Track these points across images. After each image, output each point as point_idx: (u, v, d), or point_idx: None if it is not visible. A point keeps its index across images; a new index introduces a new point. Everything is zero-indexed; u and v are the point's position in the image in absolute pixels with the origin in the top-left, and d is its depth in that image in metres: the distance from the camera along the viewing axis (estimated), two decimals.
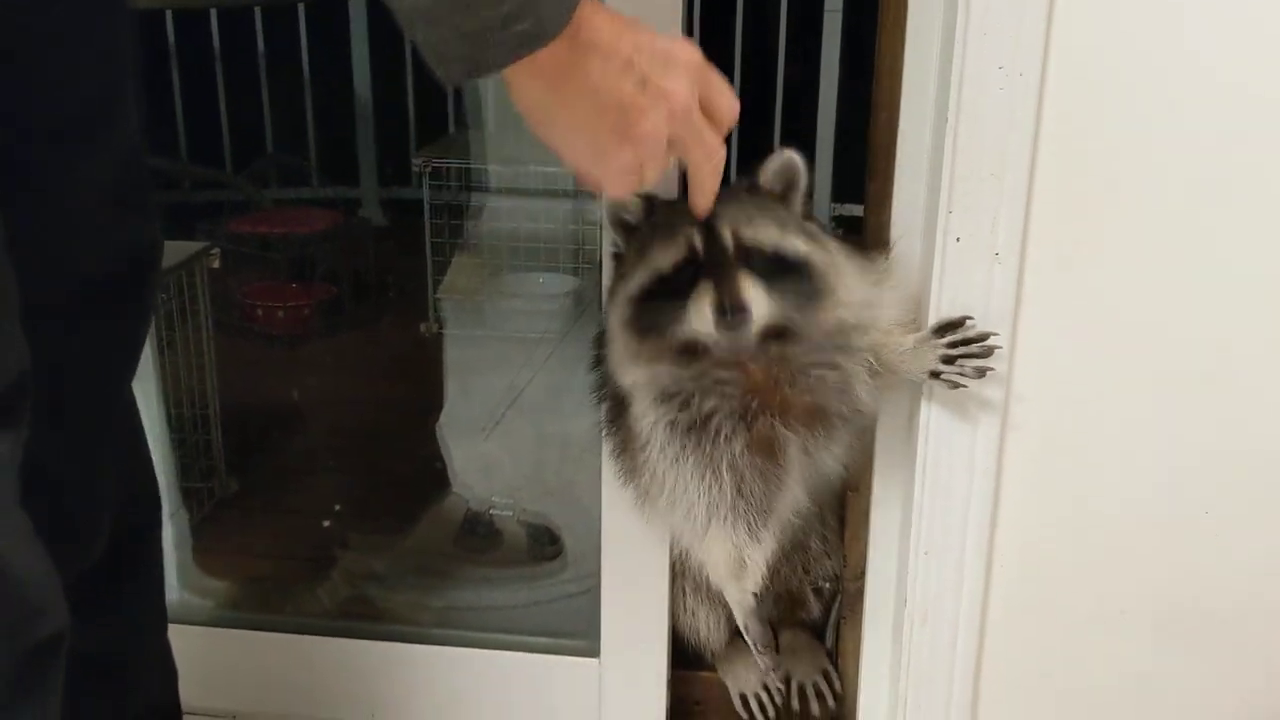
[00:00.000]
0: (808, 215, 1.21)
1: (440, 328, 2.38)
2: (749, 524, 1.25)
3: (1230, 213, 1.17)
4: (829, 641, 1.60)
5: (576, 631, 1.58)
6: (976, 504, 1.28)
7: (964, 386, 1.19)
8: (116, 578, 1.13)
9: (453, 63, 0.76)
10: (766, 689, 1.56)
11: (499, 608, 1.79)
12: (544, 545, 1.92)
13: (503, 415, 2.02)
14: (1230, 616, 1.31)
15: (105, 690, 1.13)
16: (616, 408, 1.30)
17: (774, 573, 1.55)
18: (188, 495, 2.01)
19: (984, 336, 1.18)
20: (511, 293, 2.29)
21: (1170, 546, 1.29)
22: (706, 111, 0.91)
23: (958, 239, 1.19)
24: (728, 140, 0.97)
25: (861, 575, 1.44)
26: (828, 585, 1.56)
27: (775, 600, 1.59)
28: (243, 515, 2.12)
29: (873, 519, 1.40)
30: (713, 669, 1.59)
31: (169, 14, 3.39)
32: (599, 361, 1.33)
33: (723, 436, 1.20)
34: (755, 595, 1.30)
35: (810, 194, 1.22)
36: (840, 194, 2.91)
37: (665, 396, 1.20)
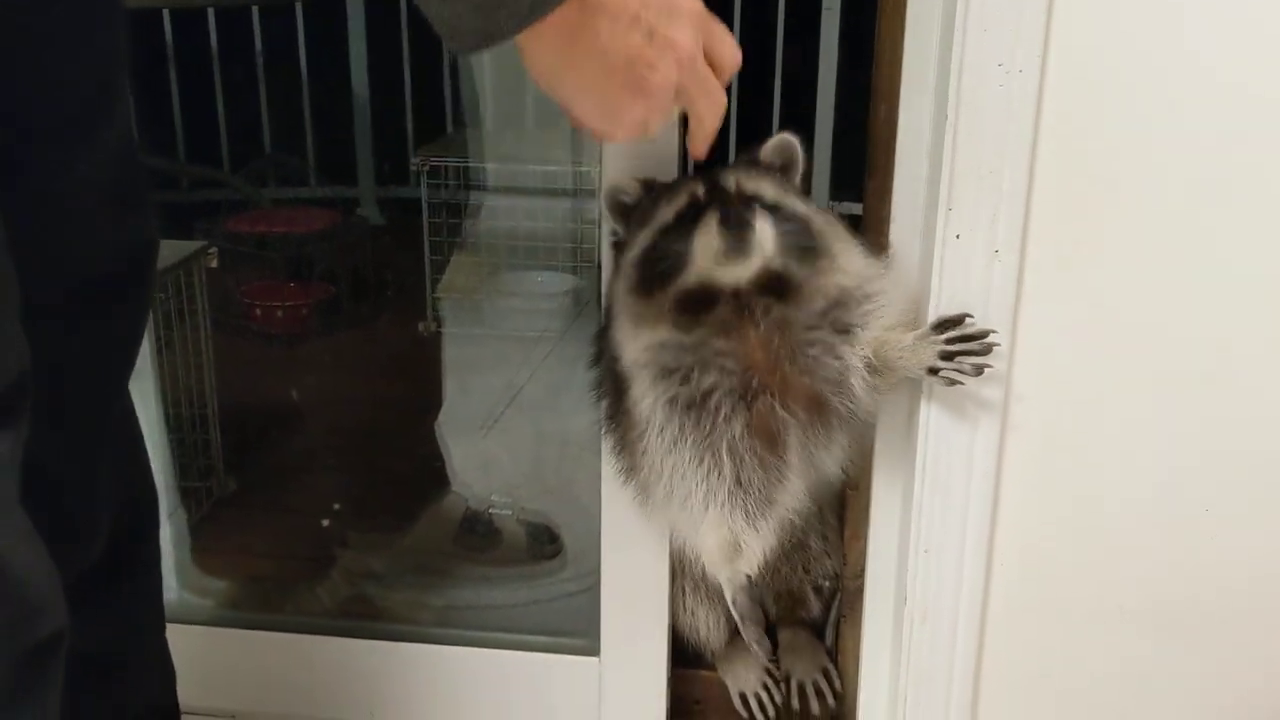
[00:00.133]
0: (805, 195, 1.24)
1: (439, 326, 2.38)
2: (746, 512, 1.24)
3: (1230, 211, 1.17)
4: (829, 640, 1.60)
5: (576, 630, 1.58)
6: (976, 502, 1.28)
7: (961, 384, 1.19)
8: (116, 577, 1.12)
9: (465, 35, 0.77)
10: (766, 688, 1.56)
11: (498, 606, 1.79)
12: (543, 544, 1.92)
13: (501, 414, 2.02)
14: (1230, 615, 1.31)
15: (105, 690, 1.13)
16: (616, 402, 1.30)
17: (774, 571, 1.56)
18: (186, 495, 2.01)
19: (983, 334, 1.18)
20: (510, 291, 2.29)
21: (1170, 544, 1.29)
22: (709, 60, 0.92)
23: (957, 236, 1.19)
24: (725, 122, 0.98)
25: (861, 573, 1.44)
26: (827, 584, 1.56)
27: (775, 599, 1.59)
28: (241, 514, 2.12)
29: (872, 517, 1.40)
30: (712, 668, 1.59)
31: (166, 13, 3.38)
32: (598, 358, 1.33)
33: (722, 415, 1.19)
34: (748, 576, 1.29)
35: (808, 180, 1.24)
36: (838, 193, 2.92)
37: (665, 373, 1.20)
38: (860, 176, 1.33)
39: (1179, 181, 1.16)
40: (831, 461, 1.28)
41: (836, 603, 1.56)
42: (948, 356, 1.18)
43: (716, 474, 1.22)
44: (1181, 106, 1.14)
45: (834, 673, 1.57)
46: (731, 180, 1.17)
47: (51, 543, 0.81)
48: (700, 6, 0.90)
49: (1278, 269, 1.19)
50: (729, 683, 1.58)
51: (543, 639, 1.60)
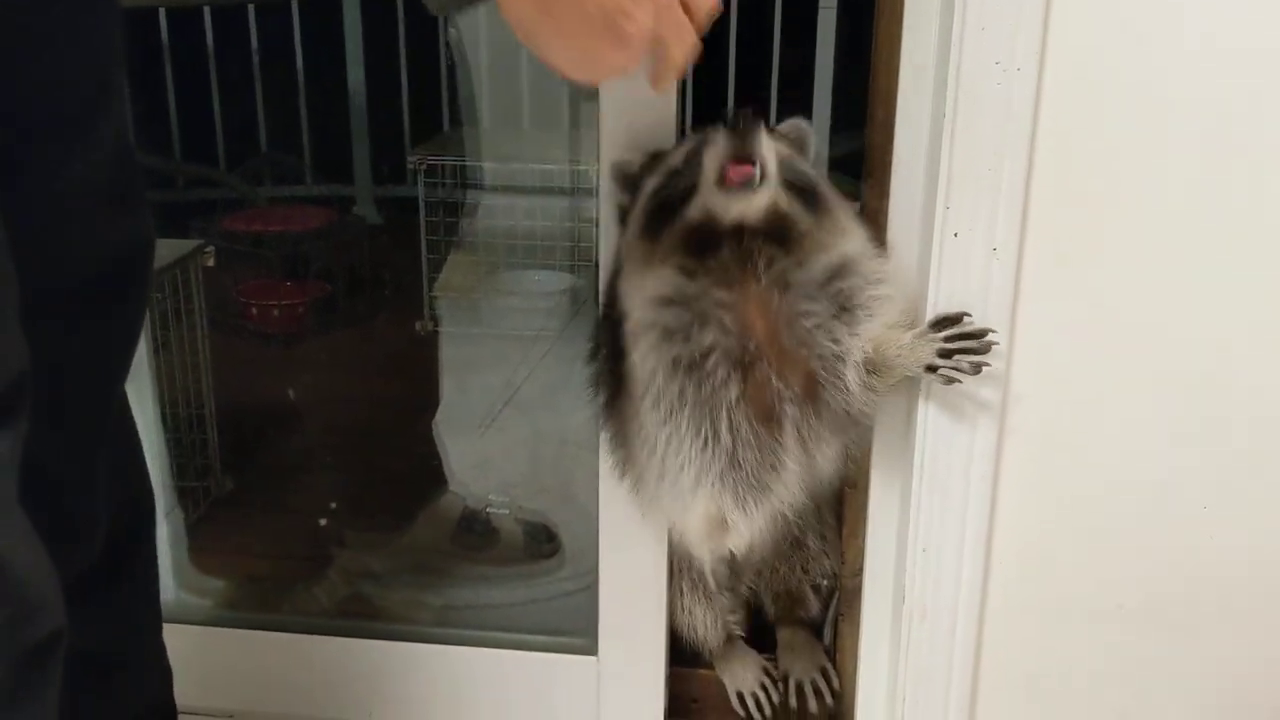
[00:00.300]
0: None
1: (436, 325, 2.39)
2: (737, 493, 1.23)
3: (1230, 209, 1.17)
4: (827, 639, 1.60)
5: (574, 629, 1.58)
6: (975, 500, 1.29)
7: (959, 382, 1.19)
8: (116, 577, 1.12)
9: None
10: (764, 687, 1.56)
11: (496, 606, 1.79)
12: (541, 543, 1.92)
13: (499, 413, 2.03)
14: (1228, 613, 1.31)
15: (105, 689, 1.13)
16: (613, 393, 1.30)
17: (772, 570, 1.56)
18: (183, 494, 2.00)
19: (982, 333, 1.18)
20: (507, 290, 2.30)
21: (1168, 543, 1.29)
22: (684, 4, 0.93)
23: (955, 234, 1.19)
24: None
25: (859, 572, 1.44)
26: (826, 582, 1.56)
27: (774, 599, 1.60)
28: (239, 514, 2.11)
29: (871, 515, 1.40)
30: (710, 667, 1.59)
31: (162, 12, 3.38)
32: (595, 352, 1.33)
33: (719, 378, 1.19)
34: (731, 552, 1.28)
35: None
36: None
37: (667, 334, 1.20)
38: (857, 174, 1.33)
39: (1178, 179, 1.16)
40: (826, 460, 1.27)
41: (835, 601, 1.56)
42: (946, 354, 1.18)
43: (711, 450, 1.21)
44: (1181, 104, 1.14)
45: (832, 672, 1.57)
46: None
47: (51, 543, 0.81)
48: None
49: (1277, 268, 1.19)
50: (726, 681, 1.58)
51: (541, 638, 1.60)
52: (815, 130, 1.28)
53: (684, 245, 1.18)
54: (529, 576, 1.83)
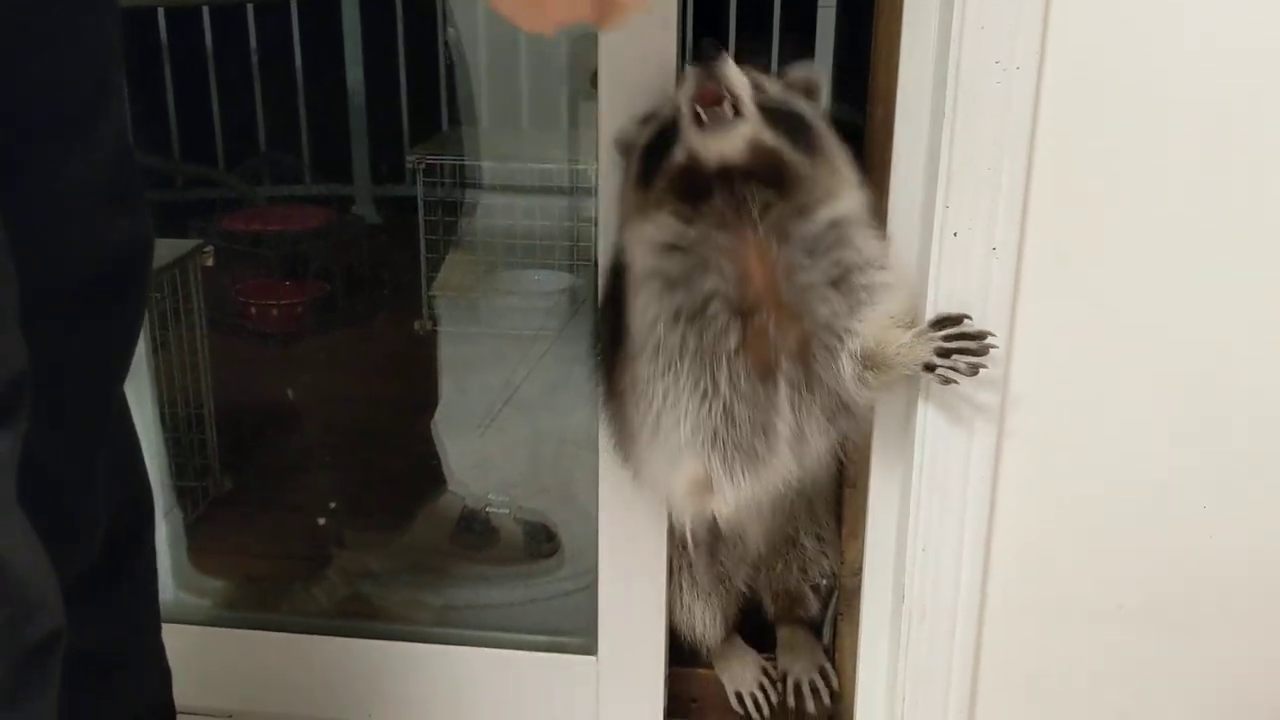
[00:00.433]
0: None
1: (434, 325, 2.38)
2: (726, 456, 1.22)
3: (1230, 208, 1.17)
4: (826, 638, 1.60)
5: (574, 629, 1.58)
6: (974, 500, 1.28)
7: (956, 383, 1.18)
8: (116, 577, 1.12)
9: None
10: (762, 686, 1.57)
11: (496, 605, 1.79)
12: (540, 542, 1.92)
13: (498, 412, 2.03)
14: (1228, 613, 1.31)
15: (104, 689, 1.13)
16: (613, 392, 1.30)
17: (771, 570, 1.56)
18: (182, 494, 2.00)
19: (981, 335, 1.17)
20: (506, 290, 2.30)
21: (1168, 543, 1.29)
22: None
23: (955, 233, 1.19)
24: None
25: (859, 571, 1.44)
26: (825, 582, 1.56)
27: (773, 598, 1.60)
28: (238, 514, 2.11)
29: (870, 515, 1.40)
30: (709, 666, 1.59)
31: (160, 11, 3.38)
32: (596, 346, 1.33)
33: (719, 325, 1.18)
34: (713, 515, 1.27)
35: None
36: None
37: (669, 285, 1.19)
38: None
39: (1178, 178, 1.16)
40: (816, 443, 1.25)
41: (834, 601, 1.56)
42: (944, 353, 1.18)
43: (709, 404, 1.20)
44: (1181, 104, 1.14)
45: (831, 671, 1.57)
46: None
47: (51, 543, 0.81)
48: None
49: (1277, 268, 1.19)
50: (725, 681, 1.58)
51: (540, 638, 1.60)
52: None
53: (676, 190, 1.18)
54: (528, 576, 1.83)
